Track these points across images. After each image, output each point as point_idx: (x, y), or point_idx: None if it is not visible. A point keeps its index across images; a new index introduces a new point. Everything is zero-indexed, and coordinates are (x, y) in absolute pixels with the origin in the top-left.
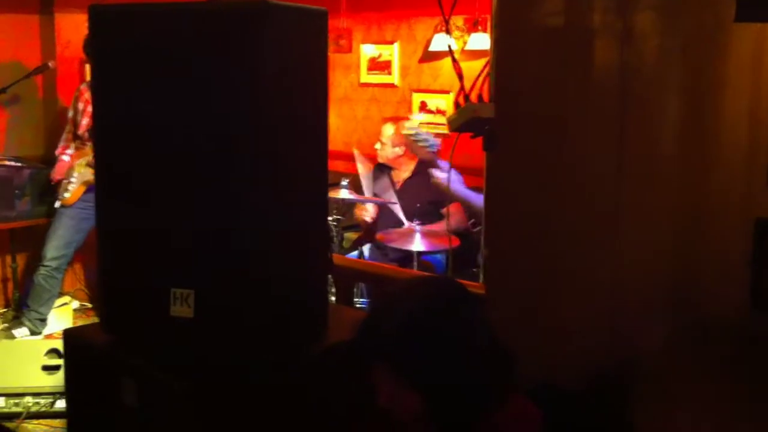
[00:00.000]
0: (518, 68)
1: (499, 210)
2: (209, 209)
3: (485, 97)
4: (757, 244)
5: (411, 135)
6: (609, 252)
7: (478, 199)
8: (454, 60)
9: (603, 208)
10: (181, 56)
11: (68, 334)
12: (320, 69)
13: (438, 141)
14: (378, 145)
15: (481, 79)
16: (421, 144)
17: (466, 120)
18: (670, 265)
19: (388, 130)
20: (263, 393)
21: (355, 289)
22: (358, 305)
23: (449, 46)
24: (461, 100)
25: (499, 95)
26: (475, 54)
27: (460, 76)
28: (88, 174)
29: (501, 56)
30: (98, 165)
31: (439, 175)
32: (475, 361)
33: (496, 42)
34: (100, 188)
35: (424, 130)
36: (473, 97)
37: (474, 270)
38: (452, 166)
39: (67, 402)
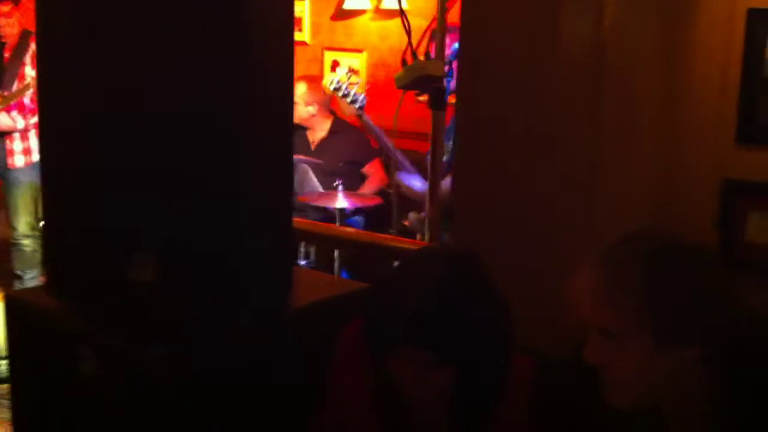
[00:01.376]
0: (486, 32)
1: (466, 180)
2: (171, 155)
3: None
4: (723, 204)
5: (336, 91)
6: (584, 220)
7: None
8: (403, 14)
9: (578, 176)
10: None
11: (11, 299)
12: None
13: (363, 96)
14: None
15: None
16: (348, 100)
17: (414, 78)
18: None
19: (300, 88)
20: (233, 362)
21: None
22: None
23: (399, 3)
24: (408, 57)
25: (465, 59)
26: (390, 13)
27: (409, 33)
28: None
29: (467, 19)
30: (42, 110)
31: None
32: (498, 319)
33: (463, 4)
34: (44, 132)
35: (344, 83)
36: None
37: (390, 231)
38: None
39: (12, 373)
